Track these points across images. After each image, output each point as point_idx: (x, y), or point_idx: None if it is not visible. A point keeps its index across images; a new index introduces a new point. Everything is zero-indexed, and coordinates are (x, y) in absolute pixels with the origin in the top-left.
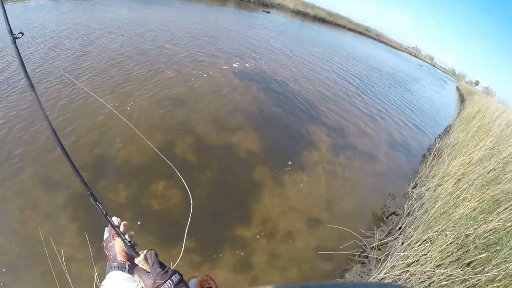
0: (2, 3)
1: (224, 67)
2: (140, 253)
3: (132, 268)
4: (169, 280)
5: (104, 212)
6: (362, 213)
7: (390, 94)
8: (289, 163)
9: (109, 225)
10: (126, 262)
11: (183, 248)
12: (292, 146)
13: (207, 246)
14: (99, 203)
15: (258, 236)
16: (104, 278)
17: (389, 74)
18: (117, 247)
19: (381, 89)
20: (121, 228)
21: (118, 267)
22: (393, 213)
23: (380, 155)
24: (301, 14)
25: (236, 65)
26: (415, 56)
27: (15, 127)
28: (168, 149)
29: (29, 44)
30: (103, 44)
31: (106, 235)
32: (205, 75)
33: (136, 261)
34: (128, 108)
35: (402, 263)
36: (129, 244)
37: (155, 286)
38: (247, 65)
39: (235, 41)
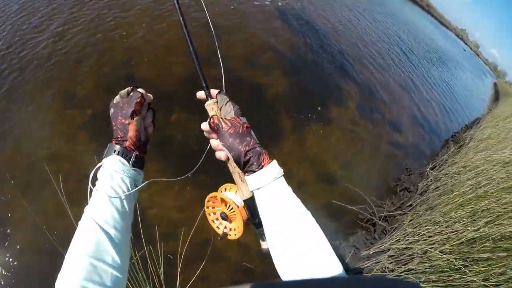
0: None
1: (267, 2)
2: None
3: (138, 160)
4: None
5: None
6: (376, 181)
7: (430, 71)
8: (314, 115)
9: (136, 93)
10: (133, 150)
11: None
12: (321, 96)
13: (218, 183)
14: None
15: None
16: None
17: (429, 49)
18: (131, 130)
19: (417, 62)
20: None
21: (121, 153)
22: (406, 188)
23: (405, 128)
24: None
25: (280, 3)
26: (461, 39)
27: None
28: (194, 76)
29: None
30: None
31: (118, 99)
32: (246, 5)
33: (206, 104)
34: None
35: (406, 239)
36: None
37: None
38: (292, 5)
39: None
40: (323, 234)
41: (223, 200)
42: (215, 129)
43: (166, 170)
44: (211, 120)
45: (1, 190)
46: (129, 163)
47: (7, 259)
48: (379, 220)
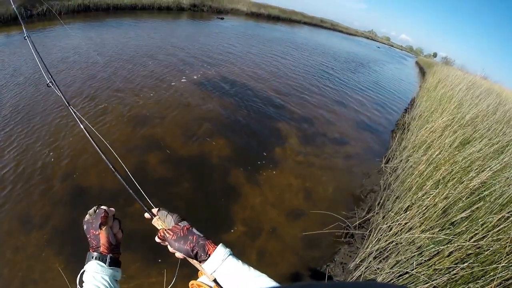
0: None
1: (184, 79)
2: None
3: (114, 261)
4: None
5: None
6: (341, 196)
7: (352, 79)
8: (262, 161)
9: (100, 210)
10: (108, 254)
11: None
12: (263, 144)
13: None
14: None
15: (243, 238)
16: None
17: (348, 60)
18: (102, 238)
19: (342, 76)
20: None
21: (98, 257)
22: (371, 190)
23: (350, 139)
24: (255, 16)
25: (196, 76)
26: (372, 39)
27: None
28: (141, 168)
29: None
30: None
31: (88, 217)
32: (166, 90)
33: (152, 222)
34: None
35: (386, 235)
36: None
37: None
38: (207, 73)
39: (192, 52)
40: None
41: (199, 285)
42: (163, 240)
43: (140, 261)
44: (158, 234)
45: None
46: (105, 264)
47: None
48: (355, 229)
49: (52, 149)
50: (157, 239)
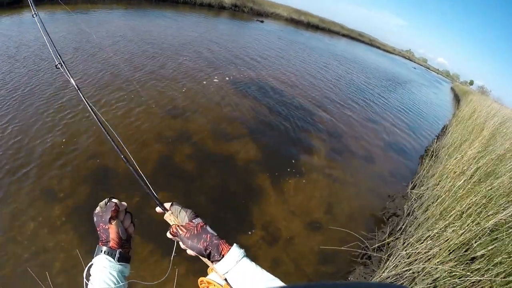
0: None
1: (216, 80)
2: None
3: (123, 256)
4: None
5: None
6: (362, 215)
7: (386, 98)
8: (288, 168)
9: (111, 203)
10: (117, 248)
11: (172, 259)
12: (291, 151)
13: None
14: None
15: (260, 242)
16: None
17: (384, 78)
18: (112, 232)
19: (377, 94)
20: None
21: (107, 252)
22: (394, 214)
23: (378, 158)
24: (294, 22)
25: (231, 76)
26: (409, 59)
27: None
28: (168, 159)
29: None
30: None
31: (98, 210)
32: (200, 87)
33: (165, 217)
34: (130, 119)
35: (404, 262)
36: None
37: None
38: (242, 74)
39: (229, 51)
40: None
41: (209, 282)
42: (175, 236)
43: (153, 252)
44: (171, 230)
45: None
46: (114, 259)
47: None
48: (374, 251)
49: (76, 131)
50: (169, 235)
